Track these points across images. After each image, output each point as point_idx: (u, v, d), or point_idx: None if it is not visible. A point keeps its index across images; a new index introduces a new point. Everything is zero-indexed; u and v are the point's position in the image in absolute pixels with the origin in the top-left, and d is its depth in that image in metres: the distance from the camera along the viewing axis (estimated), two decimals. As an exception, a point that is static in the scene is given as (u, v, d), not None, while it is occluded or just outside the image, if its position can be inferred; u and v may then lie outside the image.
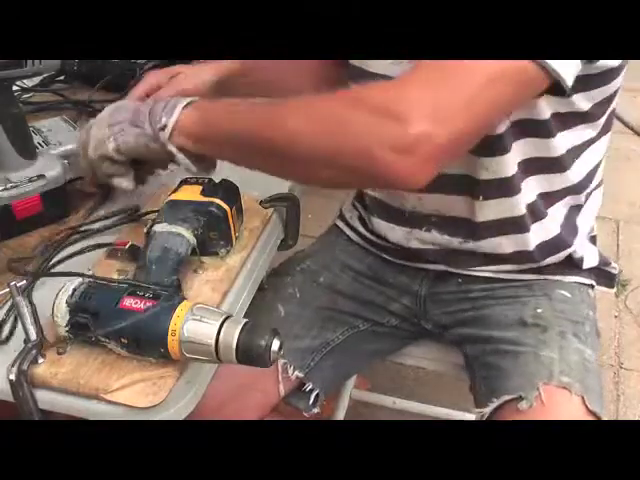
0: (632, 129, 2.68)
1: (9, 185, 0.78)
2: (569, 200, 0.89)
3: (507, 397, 0.82)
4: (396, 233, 0.94)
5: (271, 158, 0.68)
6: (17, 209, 0.79)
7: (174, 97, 0.74)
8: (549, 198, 0.87)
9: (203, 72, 0.89)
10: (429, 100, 0.61)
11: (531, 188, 0.85)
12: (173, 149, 0.71)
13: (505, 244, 0.89)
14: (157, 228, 0.71)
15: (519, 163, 0.83)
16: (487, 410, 0.84)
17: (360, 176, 0.65)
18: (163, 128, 0.71)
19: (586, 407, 0.80)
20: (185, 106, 0.71)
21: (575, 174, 0.87)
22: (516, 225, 0.87)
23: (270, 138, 0.66)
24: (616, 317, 1.89)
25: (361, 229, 1.03)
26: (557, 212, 0.89)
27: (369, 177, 0.64)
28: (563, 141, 0.83)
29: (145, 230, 0.73)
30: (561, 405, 0.80)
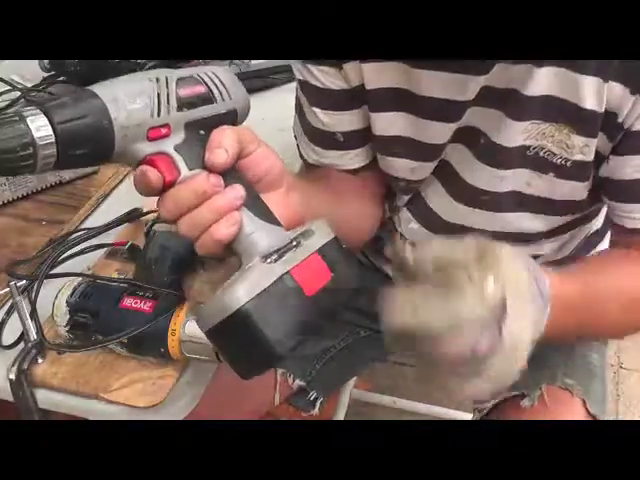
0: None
1: None
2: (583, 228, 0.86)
3: (509, 393, 0.82)
4: None
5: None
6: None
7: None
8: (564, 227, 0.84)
9: None
10: None
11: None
12: None
13: None
14: (157, 228, 0.71)
15: None
16: (488, 405, 0.84)
17: None
18: None
19: (587, 410, 0.79)
20: None
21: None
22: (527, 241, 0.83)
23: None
24: (616, 317, 1.89)
25: (367, 251, 1.00)
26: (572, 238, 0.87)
27: None
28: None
29: (145, 230, 0.73)
30: (562, 405, 0.80)
